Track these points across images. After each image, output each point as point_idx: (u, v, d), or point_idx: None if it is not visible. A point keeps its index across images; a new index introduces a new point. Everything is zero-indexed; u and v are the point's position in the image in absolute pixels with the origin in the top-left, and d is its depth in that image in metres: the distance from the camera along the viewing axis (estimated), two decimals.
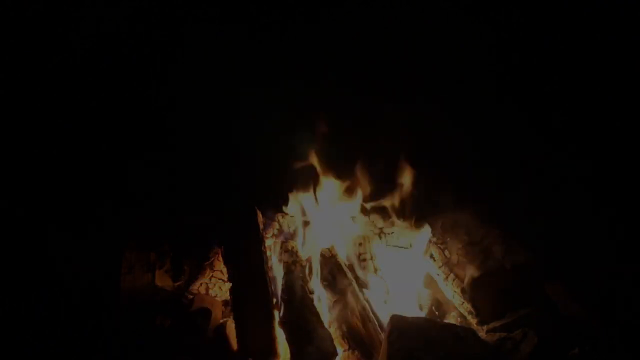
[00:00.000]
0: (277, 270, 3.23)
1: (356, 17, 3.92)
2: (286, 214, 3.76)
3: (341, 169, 3.64)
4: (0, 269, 3.22)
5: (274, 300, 2.97)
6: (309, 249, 3.55)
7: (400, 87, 3.94)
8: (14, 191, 3.48)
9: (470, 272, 3.33)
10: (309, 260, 3.43)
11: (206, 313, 3.08)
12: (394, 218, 3.65)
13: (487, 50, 3.81)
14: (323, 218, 3.70)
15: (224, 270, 3.25)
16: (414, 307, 3.38)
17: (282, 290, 3.03)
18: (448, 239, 3.59)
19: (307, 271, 3.30)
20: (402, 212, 3.60)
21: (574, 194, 3.42)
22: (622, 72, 3.58)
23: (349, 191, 3.65)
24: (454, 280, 3.35)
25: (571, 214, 3.34)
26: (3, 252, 3.26)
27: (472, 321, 3.19)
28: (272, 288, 3.01)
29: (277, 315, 2.90)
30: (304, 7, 3.97)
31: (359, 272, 3.48)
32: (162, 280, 3.36)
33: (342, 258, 3.46)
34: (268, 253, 3.21)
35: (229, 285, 3.01)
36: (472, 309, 3.20)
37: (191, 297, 3.24)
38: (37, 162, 3.59)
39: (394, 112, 3.87)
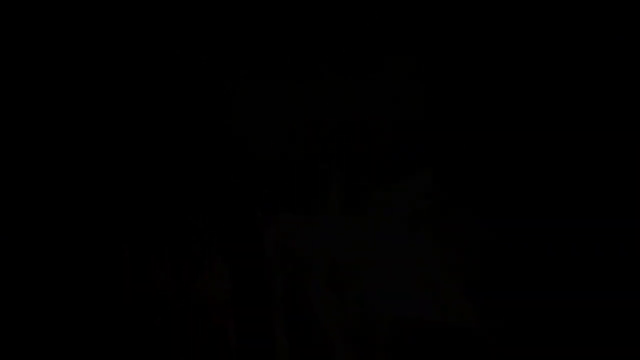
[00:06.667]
0: (277, 270, 3.24)
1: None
2: (286, 212, 3.76)
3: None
4: (0, 268, 3.23)
5: (274, 300, 2.97)
6: (309, 249, 3.55)
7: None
8: (13, 191, 3.48)
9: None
10: (309, 260, 3.43)
11: (206, 313, 3.09)
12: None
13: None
14: (323, 217, 3.70)
15: (224, 270, 3.26)
16: (415, 307, 3.38)
17: (282, 290, 3.04)
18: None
19: (306, 271, 3.30)
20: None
21: (573, 193, 3.42)
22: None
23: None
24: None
25: (571, 213, 3.34)
26: (3, 252, 3.27)
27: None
28: (272, 288, 3.02)
29: (277, 315, 2.90)
30: None
31: (359, 272, 3.48)
32: (162, 280, 3.37)
33: (341, 258, 3.47)
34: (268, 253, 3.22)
35: (229, 285, 3.02)
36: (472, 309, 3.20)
37: (191, 297, 3.25)
38: (36, 162, 3.60)
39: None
